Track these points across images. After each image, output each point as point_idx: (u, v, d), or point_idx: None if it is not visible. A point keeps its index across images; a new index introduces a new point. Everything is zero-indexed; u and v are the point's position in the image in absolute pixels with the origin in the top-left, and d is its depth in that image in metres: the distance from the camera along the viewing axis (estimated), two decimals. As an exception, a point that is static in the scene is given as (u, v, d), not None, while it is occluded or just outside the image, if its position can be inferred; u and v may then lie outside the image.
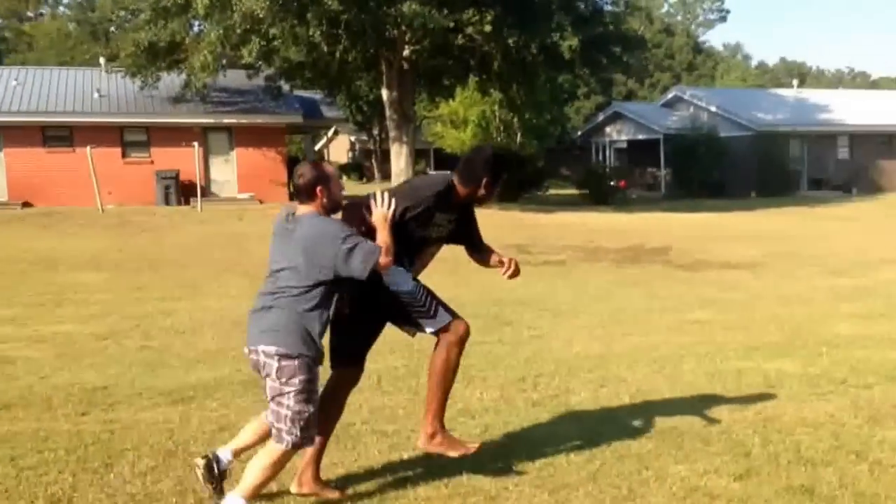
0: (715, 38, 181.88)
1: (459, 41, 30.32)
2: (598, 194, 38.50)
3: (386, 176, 34.96)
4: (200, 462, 5.17)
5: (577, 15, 30.88)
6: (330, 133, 54.35)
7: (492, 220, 26.52)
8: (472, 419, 6.91)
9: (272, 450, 4.99)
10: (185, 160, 33.88)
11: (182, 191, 34.12)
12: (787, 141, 43.60)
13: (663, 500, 5.28)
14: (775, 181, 41.96)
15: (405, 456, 6.10)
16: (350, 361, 5.65)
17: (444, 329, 5.48)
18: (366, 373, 8.29)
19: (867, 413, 6.93)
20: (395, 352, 9.30)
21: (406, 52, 31.70)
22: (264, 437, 5.18)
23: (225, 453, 5.26)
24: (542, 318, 11.34)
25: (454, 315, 5.53)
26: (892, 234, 23.23)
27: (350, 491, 5.46)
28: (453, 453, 5.49)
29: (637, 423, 6.76)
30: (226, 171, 36.02)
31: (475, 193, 5.67)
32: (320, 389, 5.24)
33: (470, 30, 28.92)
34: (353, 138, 69.13)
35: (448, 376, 5.58)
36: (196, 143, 33.74)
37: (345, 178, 62.60)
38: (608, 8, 34.44)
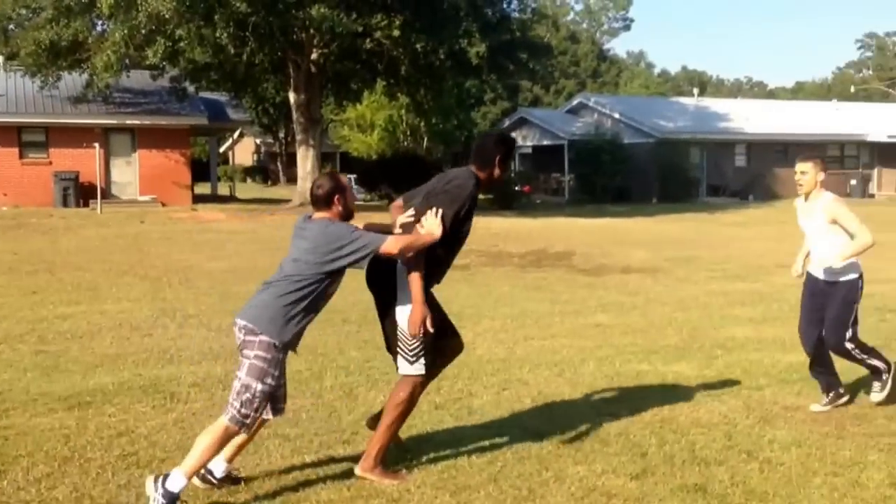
0: (619, 47, 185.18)
1: (368, 45, 30.34)
2: (503, 199, 38.73)
3: (291, 179, 34.77)
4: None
5: (485, 21, 31.15)
6: (235, 135, 53.87)
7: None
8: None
9: (216, 427, 5.18)
10: (85, 161, 33.25)
11: (82, 193, 33.46)
12: (688, 148, 44.44)
13: (562, 500, 5.38)
14: (676, 187, 42.79)
15: (307, 459, 6.10)
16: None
17: (413, 377, 5.71)
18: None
19: (758, 414, 7.15)
20: (299, 356, 9.27)
21: (314, 56, 31.62)
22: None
23: (216, 465, 5.46)
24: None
25: (431, 366, 5.76)
26: (787, 239, 23.73)
27: (252, 495, 5.44)
28: (387, 481, 5.61)
29: (538, 425, 6.84)
30: (127, 173, 35.45)
31: (492, 176, 5.96)
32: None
33: (378, 34, 28.95)
34: (258, 141, 68.57)
35: (406, 412, 5.82)
36: (97, 145, 33.09)
37: (248, 180, 62.06)
38: (515, 15, 34.78)
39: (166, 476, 5.08)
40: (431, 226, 5.55)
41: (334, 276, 5.47)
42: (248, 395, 5.17)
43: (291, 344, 5.48)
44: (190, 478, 5.14)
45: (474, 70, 33.81)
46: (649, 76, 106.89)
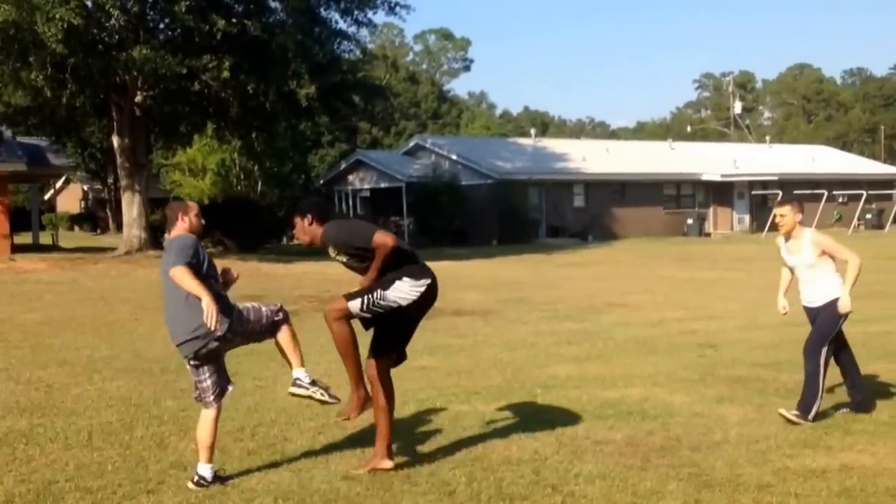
0: (460, 87, 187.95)
1: (195, 87, 29.85)
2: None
3: (122, 226, 33.82)
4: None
5: (315, 63, 30.99)
6: (60, 182, 52.09)
7: (228, 270, 26.13)
8: (184, 471, 6.77)
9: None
10: None
11: None
12: (526, 189, 44.81)
13: (365, 544, 5.29)
14: (515, 229, 43.02)
15: (107, 512, 5.90)
16: None
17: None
18: (76, 428, 8.02)
19: (569, 449, 7.23)
20: (110, 406, 8.98)
21: (138, 98, 30.88)
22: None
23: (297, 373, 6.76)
24: (269, 368, 11.16)
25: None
26: (621, 279, 24.44)
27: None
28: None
29: (349, 468, 6.77)
30: (-59, 222, 33.63)
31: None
32: None
33: (206, 76, 28.52)
34: (85, 187, 66.43)
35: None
36: None
37: (76, 228, 60.07)
38: (346, 56, 34.74)
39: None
40: None
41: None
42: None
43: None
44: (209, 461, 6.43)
45: (305, 112, 33.69)
46: (490, 117, 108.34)
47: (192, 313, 6.21)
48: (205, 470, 6.43)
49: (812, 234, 8.20)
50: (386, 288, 6.44)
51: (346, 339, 6.53)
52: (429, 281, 6.61)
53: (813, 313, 8.28)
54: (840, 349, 8.35)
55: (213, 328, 6.10)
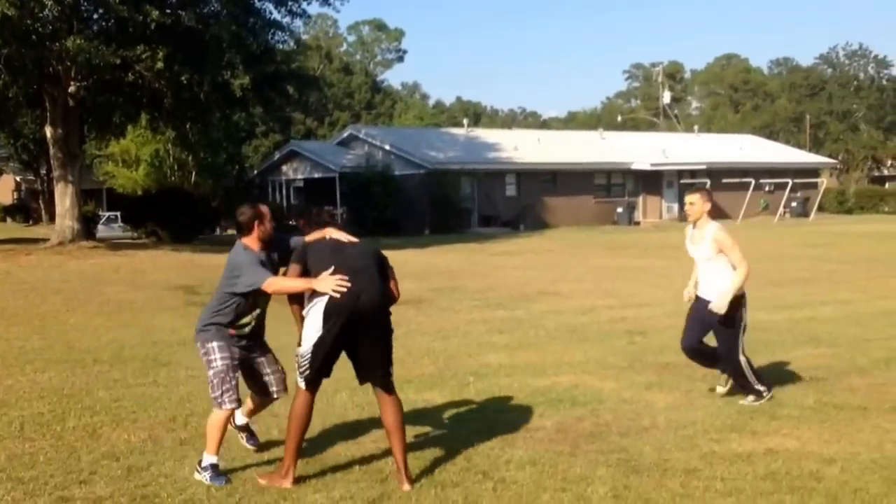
0: (394, 78, 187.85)
1: (129, 78, 29.54)
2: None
3: (54, 217, 33.36)
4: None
5: (249, 53, 30.84)
6: None
7: (161, 262, 26.00)
8: (116, 461, 6.81)
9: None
10: None
11: None
12: (459, 179, 44.96)
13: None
14: (448, 218, 43.22)
15: (40, 503, 5.96)
16: None
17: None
18: (7, 419, 8.01)
19: (501, 436, 7.38)
20: (42, 397, 8.98)
21: (72, 89, 30.45)
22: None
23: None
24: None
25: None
26: (552, 267, 24.67)
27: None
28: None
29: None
30: None
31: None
32: None
33: (140, 67, 28.24)
34: (18, 178, 65.31)
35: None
36: None
37: (8, 220, 59.07)
38: (280, 46, 34.62)
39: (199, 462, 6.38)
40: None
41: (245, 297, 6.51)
42: (209, 384, 6.52)
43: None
44: (215, 452, 6.39)
45: (239, 102, 33.50)
46: (424, 107, 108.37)
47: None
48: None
49: (715, 230, 8.31)
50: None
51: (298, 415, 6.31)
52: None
53: (703, 305, 8.45)
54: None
55: (344, 287, 6.05)
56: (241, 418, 7.02)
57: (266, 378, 6.84)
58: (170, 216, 36.04)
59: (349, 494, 5.95)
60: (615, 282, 20.61)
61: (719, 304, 8.15)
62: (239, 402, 6.56)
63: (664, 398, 8.71)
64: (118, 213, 44.39)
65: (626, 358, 10.98)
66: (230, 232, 44.09)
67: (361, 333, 6.18)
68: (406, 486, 6.02)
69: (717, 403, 8.45)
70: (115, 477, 6.42)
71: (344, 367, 6.38)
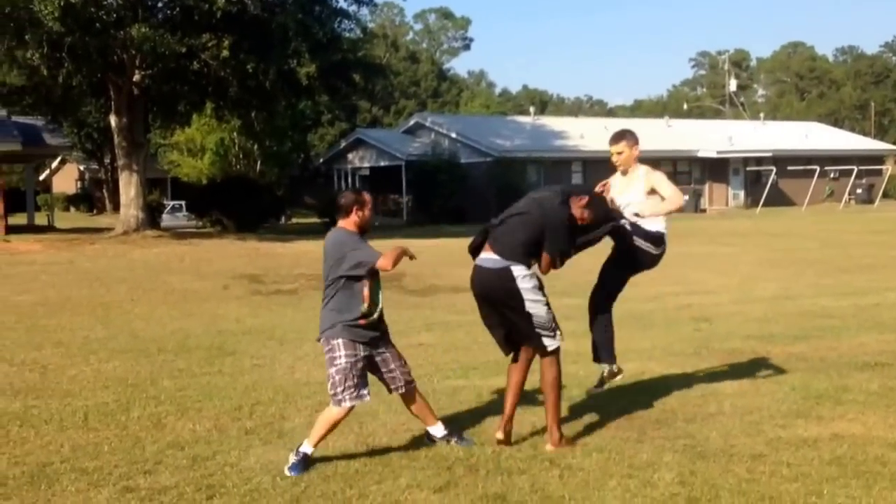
0: (460, 66, 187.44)
1: (195, 66, 29.73)
2: (340, 222, 38.40)
3: (119, 207, 33.68)
4: None
5: (315, 42, 30.89)
6: (55, 162, 51.68)
7: (226, 251, 26.15)
8: (182, 450, 6.78)
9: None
10: None
11: None
12: (525, 167, 44.68)
13: (362, 518, 5.31)
14: (514, 206, 42.93)
15: (104, 493, 5.89)
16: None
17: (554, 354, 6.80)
18: (71, 409, 8.00)
19: (567, 423, 7.23)
20: (107, 387, 8.97)
21: (136, 77, 30.76)
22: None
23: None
24: (267, 347, 11.20)
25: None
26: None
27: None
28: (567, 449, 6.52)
29: (347, 444, 6.81)
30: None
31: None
32: None
33: (205, 55, 28.39)
34: (82, 167, 66.09)
35: (560, 384, 6.80)
36: None
37: (72, 209, 59.86)
38: (346, 35, 34.64)
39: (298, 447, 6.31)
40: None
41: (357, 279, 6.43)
42: (329, 381, 6.41)
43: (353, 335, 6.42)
44: (315, 446, 6.31)
45: (305, 91, 33.59)
46: (490, 95, 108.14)
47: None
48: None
49: (645, 170, 7.86)
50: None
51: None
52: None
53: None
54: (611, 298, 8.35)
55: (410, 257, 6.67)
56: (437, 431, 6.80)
57: (390, 374, 6.66)
58: (235, 205, 36.30)
59: (416, 482, 5.87)
60: (681, 269, 20.25)
61: (646, 208, 7.69)
62: (360, 400, 6.39)
63: (730, 384, 8.60)
64: (183, 202, 44.77)
65: (691, 345, 10.83)
66: (295, 220, 44.33)
67: None
68: (548, 447, 6.51)
69: (784, 389, 8.29)
70: (180, 467, 6.37)
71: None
